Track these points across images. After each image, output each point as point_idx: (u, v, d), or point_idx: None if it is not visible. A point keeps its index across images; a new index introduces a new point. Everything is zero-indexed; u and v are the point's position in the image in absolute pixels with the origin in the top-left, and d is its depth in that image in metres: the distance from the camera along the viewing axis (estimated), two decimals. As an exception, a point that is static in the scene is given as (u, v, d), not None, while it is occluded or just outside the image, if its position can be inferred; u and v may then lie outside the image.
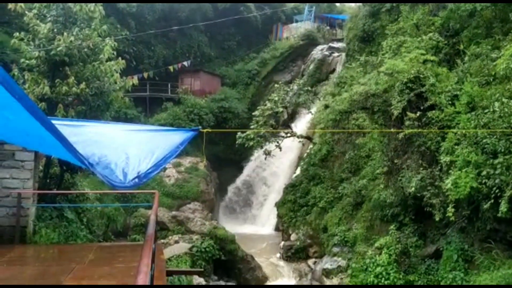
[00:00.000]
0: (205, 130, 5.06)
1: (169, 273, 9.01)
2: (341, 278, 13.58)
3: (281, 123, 23.75)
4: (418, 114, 11.65)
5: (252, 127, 19.85)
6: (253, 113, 21.21)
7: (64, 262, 8.51)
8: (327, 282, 14.24)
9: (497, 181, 9.27)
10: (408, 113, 11.75)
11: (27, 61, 12.61)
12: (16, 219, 10.04)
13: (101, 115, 12.91)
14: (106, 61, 13.04)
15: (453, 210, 10.16)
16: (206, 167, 26.50)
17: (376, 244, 13.00)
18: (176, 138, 4.61)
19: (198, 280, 13.46)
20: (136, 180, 3.92)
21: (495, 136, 9.68)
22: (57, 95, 12.06)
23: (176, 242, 15.83)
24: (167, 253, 13.43)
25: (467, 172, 9.80)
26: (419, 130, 11.32)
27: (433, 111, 11.50)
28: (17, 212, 9.99)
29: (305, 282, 15.48)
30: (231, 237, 16.12)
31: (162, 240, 15.37)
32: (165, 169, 24.29)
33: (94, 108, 12.58)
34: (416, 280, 11.60)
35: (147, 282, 2.36)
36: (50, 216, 11.44)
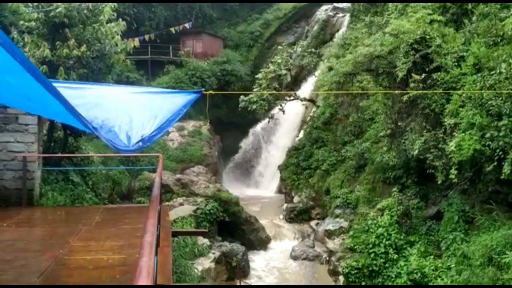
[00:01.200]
0: (208, 92, 5.02)
1: (175, 234, 9.20)
2: (343, 239, 13.84)
3: (285, 86, 23.54)
4: (423, 76, 11.50)
5: (255, 90, 19.71)
6: (256, 76, 21.01)
7: (71, 223, 8.67)
8: (329, 242, 14.53)
9: (500, 143, 9.25)
10: (413, 75, 11.60)
11: (26, 23, 12.40)
12: (22, 182, 10.17)
13: (103, 78, 12.82)
14: (106, 22, 12.82)
15: (455, 172, 10.20)
16: (209, 130, 26.51)
17: (378, 206, 13.16)
18: (179, 100, 4.56)
19: (203, 241, 13.74)
20: (140, 143, 3.92)
21: (500, 98, 9.58)
22: (58, 58, 11.93)
23: (181, 204, 16.07)
24: (172, 215, 13.66)
25: (471, 134, 9.76)
26: (424, 91, 11.21)
27: (439, 73, 11.34)
28: (23, 175, 10.11)
29: (308, 242, 15.78)
30: (234, 199, 16.32)
31: (167, 203, 15.59)
32: (168, 132, 24.37)
33: (95, 71, 12.47)
34: (416, 240, 11.81)
35: (154, 242, 2.40)
36: (56, 179, 11.58)
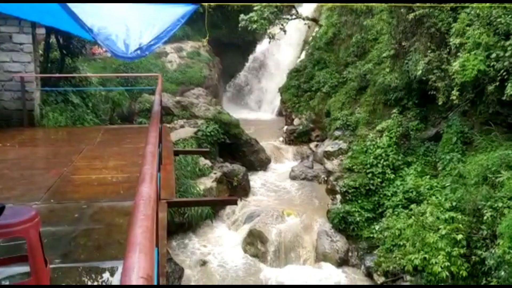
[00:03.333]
0: (206, 4, 4.85)
1: (176, 153, 9.36)
2: (341, 160, 14.09)
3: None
4: (431, -7, 11.01)
5: (255, 8, 18.96)
6: (257, -8, 20.06)
7: (74, 143, 8.80)
8: (328, 163, 14.82)
9: (506, 63, 9.09)
10: (420, -9, 11.10)
11: None
12: (22, 103, 10.16)
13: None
14: None
15: (457, 93, 10.14)
16: (208, 52, 25.95)
17: (378, 128, 13.25)
18: (177, 10, 4.40)
19: (204, 161, 14.00)
20: (139, 52, 3.85)
21: (510, 16, 9.24)
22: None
23: (182, 126, 16.15)
24: (173, 137, 13.79)
25: (476, 54, 9.56)
26: (431, 5, 10.78)
27: (448, -11, 10.84)
28: (22, 96, 10.08)
29: (307, 163, 16.11)
30: (235, 122, 16.39)
31: (168, 125, 15.67)
32: (166, 54, 23.88)
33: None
34: (414, 161, 12.04)
35: (156, 152, 2.42)
36: (56, 100, 11.56)
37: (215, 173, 13.80)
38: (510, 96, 8.93)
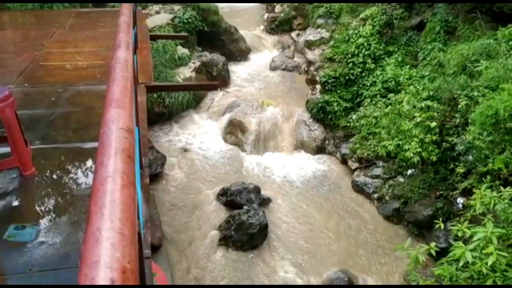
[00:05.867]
0: None
1: (153, 38, 9.00)
2: (323, 50, 13.84)
3: None
4: None
5: None
6: None
7: (43, 27, 8.32)
8: (309, 53, 14.57)
9: None
10: None
11: None
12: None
13: None
14: None
15: (446, -22, 9.76)
16: None
17: (361, 15, 12.84)
18: None
19: (182, 50, 13.59)
20: None
21: None
22: None
23: (157, 12, 15.35)
24: (149, 23, 13.14)
25: None
26: None
27: None
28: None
29: (287, 53, 15.82)
30: (214, 8, 15.62)
31: (143, 11, 14.85)
32: None
33: None
34: (395, 50, 11.93)
35: (131, 23, 2.27)
36: (19, -20, 10.66)
37: (194, 63, 13.50)
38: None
